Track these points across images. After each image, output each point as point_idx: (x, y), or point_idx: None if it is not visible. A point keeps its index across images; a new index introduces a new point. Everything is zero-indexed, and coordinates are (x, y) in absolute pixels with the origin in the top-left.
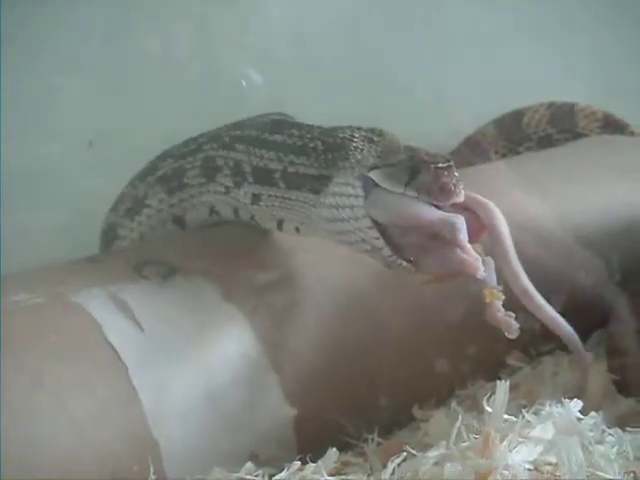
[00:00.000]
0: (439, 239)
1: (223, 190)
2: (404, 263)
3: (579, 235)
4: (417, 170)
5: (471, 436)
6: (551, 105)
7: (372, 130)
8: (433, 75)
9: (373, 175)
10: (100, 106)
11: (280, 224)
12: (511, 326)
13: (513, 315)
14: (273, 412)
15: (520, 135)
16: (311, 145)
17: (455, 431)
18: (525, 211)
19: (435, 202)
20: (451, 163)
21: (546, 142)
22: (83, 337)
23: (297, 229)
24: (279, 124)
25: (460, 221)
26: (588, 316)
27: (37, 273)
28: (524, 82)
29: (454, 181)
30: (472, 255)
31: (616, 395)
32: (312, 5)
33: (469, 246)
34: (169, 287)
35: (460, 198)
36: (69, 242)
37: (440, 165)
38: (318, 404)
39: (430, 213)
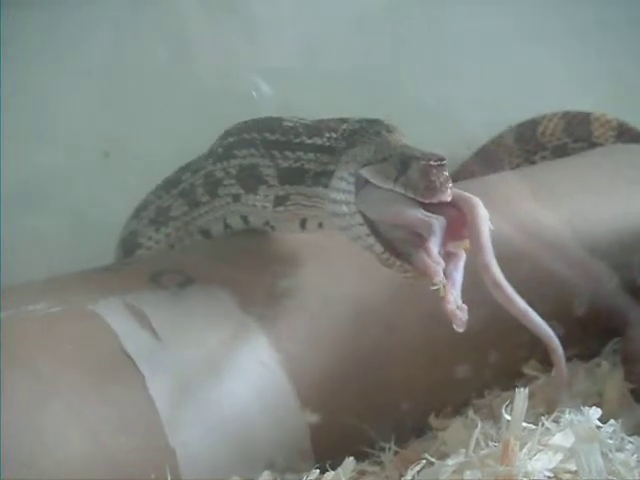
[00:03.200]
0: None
1: (231, 199)
2: (397, 262)
3: (594, 244)
4: (406, 166)
5: (490, 444)
6: (566, 114)
7: (381, 124)
8: (442, 84)
9: (364, 171)
10: (115, 116)
11: (303, 223)
12: (457, 318)
13: (465, 308)
14: (290, 420)
15: (535, 144)
16: (331, 141)
17: (474, 439)
18: (539, 221)
19: (421, 199)
20: (443, 162)
21: (561, 151)
22: (100, 346)
23: (320, 224)
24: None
25: (437, 223)
26: (603, 325)
27: (53, 282)
28: (533, 90)
29: (442, 179)
30: (434, 260)
31: (633, 403)
32: (321, 15)
33: (433, 250)
34: (185, 296)
35: (446, 197)
36: (83, 251)
37: (430, 163)
38: (334, 413)
39: (412, 211)
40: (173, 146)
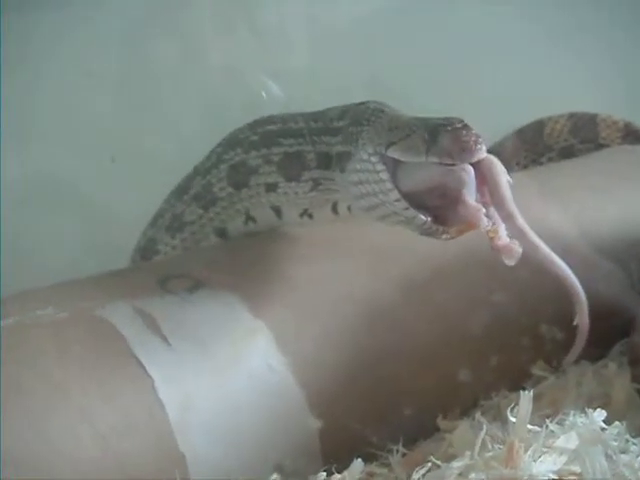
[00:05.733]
0: (451, 193)
1: (264, 189)
2: (440, 228)
3: (600, 245)
4: (435, 136)
5: (495, 446)
6: (572, 115)
7: (375, 103)
8: (449, 86)
9: (391, 152)
10: (122, 120)
11: (335, 206)
12: (512, 250)
13: (517, 242)
14: (298, 424)
15: (542, 146)
16: (341, 123)
17: (479, 441)
18: (546, 221)
19: (460, 162)
20: (466, 123)
21: (568, 153)
22: (109, 351)
23: (349, 208)
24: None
25: (467, 174)
26: (610, 326)
27: (61, 287)
28: (541, 91)
29: (473, 139)
30: (474, 208)
31: None
32: (329, 19)
33: (470, 199)
34: (194, 301)
35: (483, 154)
36: (92, 255)
37: (457, 126)
38: (343, 415)
39: (441, 171)
40: (181, 148)
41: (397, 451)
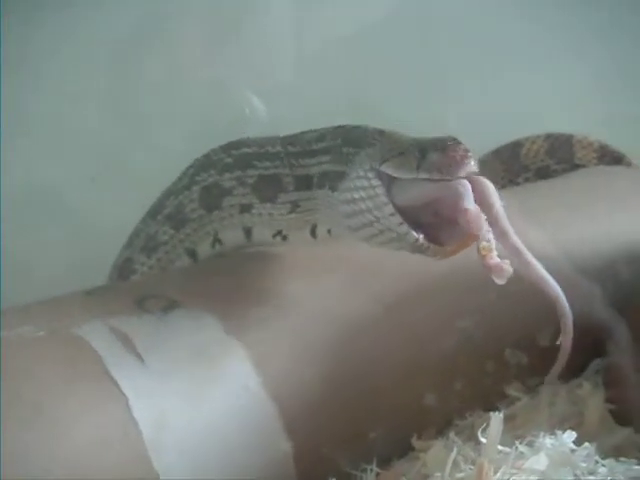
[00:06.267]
0: (446, 211)
1: (238, 210)
2: (431, 246)
3: (578, 264)
4: (425, 152)
5: (467, 467)
6: (549, 136)
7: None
8: (431, 104)
9: (385, 167)
10: (107, 136)
11: (314, 230)
12: (503, 270)
13: (507, 262)
14: (272, 443)
15: (518, 166)
16: (333, 143)
17: (450, 462)
18: (525, 240)
19: (449, 177)
20: (457, 139)
21: (544, 173)
22: (84, 369)
23: (329, 231)
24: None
25: (462, 187)
26: (586, 345)
27: (40, 305)
28: (522, 112)
29: (461, 153)
30: (474, 213)
31: (613, 425)
32: (315, 37)
33: (468, 205)
34: (170, 320)
35: (473, 168)
36: (71, 273)
37: (446, 142)
38: (317, 435)
39: (436, 186)
40: (166, 165)
41: (371, 470)
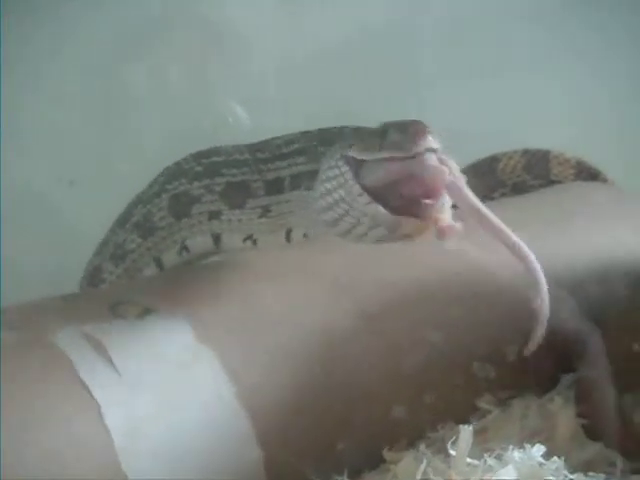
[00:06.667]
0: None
1: (206, 217)
2: (402, 218)
3: (554, 278)
4: (386, 132)
5: (437, 479)
6: (526, 152)
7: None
8: (415, 114)
9: (351, 153)
10: (89, 143)
11: (289, 233)
12: (454, 230)
13: (460, 224)
14: (244, 452)
15: (495, 181)
16: (308, 144)
17: (420, 474)
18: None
19: (407, 154)
20: (419, 121)
21: (520, 188)
22: (57, 375)
23: (305, 235)
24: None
25: (429, 158)
26: (558, 360)
27: (13, 310)
28: (502, 128)
29: (420, 129)
30: (437, 167)
31: (584, 439)
32: (299, 47)
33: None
34: (144, 327)
35: (431, 143)
36: (48, 279)
37: (407, 123)
38: (289, 445)
39: (401, 165)
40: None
41: None
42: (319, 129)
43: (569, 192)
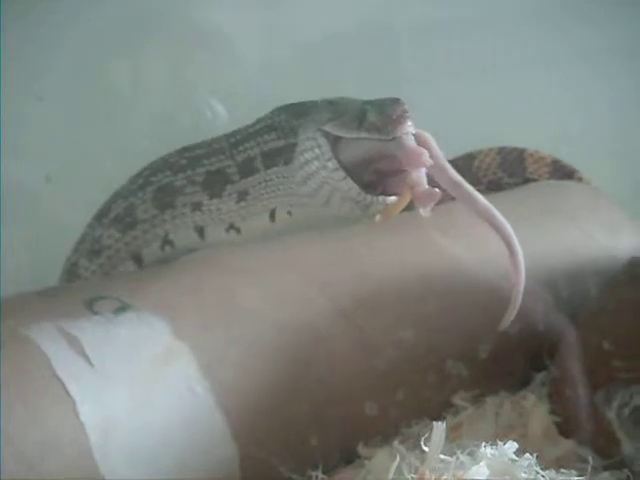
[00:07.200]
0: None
1: (190, 209)
2: (374, 198)
3: (529, 274)
4: (365, 112)
5: (410, 475)
6: (502, 150)
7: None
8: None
9: (328, 127)
10: (62, 139)
11: (273, 213)
12: (431, 195)
13: (437, 190)
14: (219, 448)
15: (470, 178)
16: (277, 119)
17: (393, 470)
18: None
19: (386, 137)
20: (399, 100)
21: (495, 186)
22: (32, 370)
23: (289, 212)
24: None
25: (406, 138)
26: (531, 358)
27: None
28: (478, 126)
29: (400, 112)
30: (412, 147)
31: (557, 436)
32: (281, 41)
33: (409, 143)
34: (119, 323)
35: (410, 128)
36: (25, 273)
37: (386, 103)
38: (263, 441)
39: (379, 145)
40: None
41: (316, 477)
42: (289, 104)
43: (544, 190)
